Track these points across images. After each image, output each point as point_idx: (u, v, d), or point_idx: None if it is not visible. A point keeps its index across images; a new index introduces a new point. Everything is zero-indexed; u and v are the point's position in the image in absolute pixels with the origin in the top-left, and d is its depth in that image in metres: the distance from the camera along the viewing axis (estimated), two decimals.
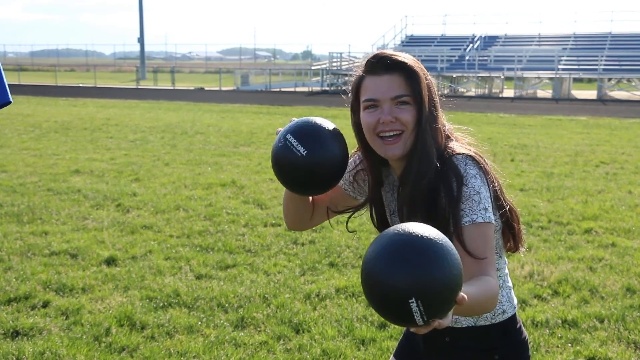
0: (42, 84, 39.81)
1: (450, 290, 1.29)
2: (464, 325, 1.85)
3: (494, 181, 1.74)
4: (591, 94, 32.18)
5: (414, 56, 1.75)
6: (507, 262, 1.92)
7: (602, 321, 4.24)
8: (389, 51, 1.72)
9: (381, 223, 1.91)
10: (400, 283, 1.26)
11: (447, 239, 1.33)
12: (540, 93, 33.00)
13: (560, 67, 32.39)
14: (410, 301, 1.26)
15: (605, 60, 32.47)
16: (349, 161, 1.93)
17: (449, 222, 1.66)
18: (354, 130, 1.82)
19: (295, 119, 1.75)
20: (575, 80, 35.96)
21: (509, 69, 32.39)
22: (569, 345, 3.92)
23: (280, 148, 1.69)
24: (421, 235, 1.30)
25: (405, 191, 1.73)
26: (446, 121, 1.80)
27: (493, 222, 1.66)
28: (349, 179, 1.95)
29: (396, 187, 1.86)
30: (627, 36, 37.02)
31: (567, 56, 34.17)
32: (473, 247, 1.62)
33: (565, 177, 9.35)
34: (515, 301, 1.91)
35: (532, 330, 4.10)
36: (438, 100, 1.76)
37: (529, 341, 1.94)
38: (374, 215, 1.90)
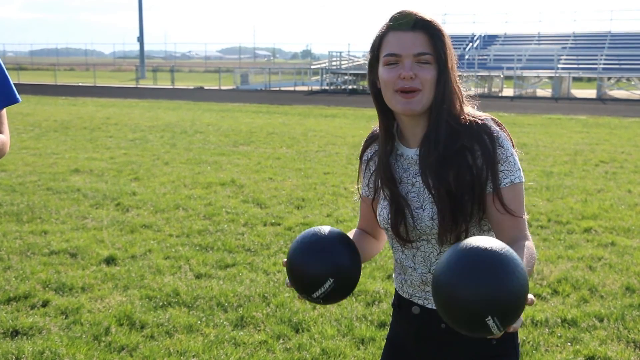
0: (41, 83, 39.79)
1: (522, 299, 1.34)
2: None
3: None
4: (591, 93, 32.17)
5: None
6: None
7: (601, 320, 4.24)
8: (415, 9, 1.72)
9: (393, 189, 1.83)
10: (475, 303, 1.31)
11: (510, 249, 1.37)
12: (540, 92, 33.00)
13: (559, 66, 32.40)
14: (487, 319, 1.31)
15: (605, 59, 32.48)
16: (361, 167, 1.96)
17: (485, 182, 1.69)
18: (370, 90, 1.82)
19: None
20: (575, 79, 35.97)
21: (508, 68, 32.39)
22: (569, 344, 3.92)
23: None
24: (490, 250, 1.35)
25: (429, 151, 1.72)
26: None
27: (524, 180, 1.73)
28: (369, 185, 1.93)
29: (410, 158, 1.82)
30: (627, 35, 37.03)
31: (567, 55, 34.18)
32: (513, 207, 1.70)
33: (565, 176, 9.35)
34: None
35: (532, 330, 4.10)
36: (456, 65, 1.77)
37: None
38: (383, 184, 1.84)
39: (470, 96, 1.84)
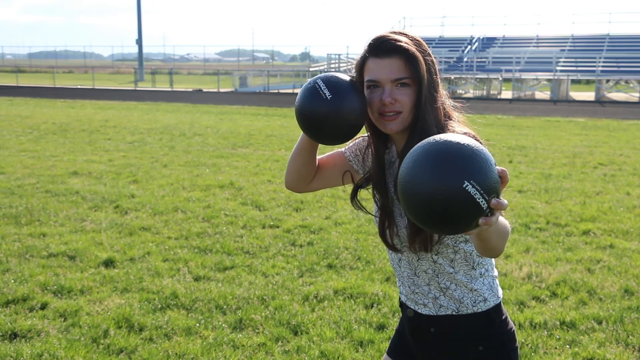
0: (40, 85, 39.77)
1: (490, 163, 1.33)
2: (447, 313, 1.89)
3: None
4: (589, 95, 32.22)
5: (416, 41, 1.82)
6: None
7: (600, 323, 4.24)
8: (391, 34, 1.80)
9: (383, 197, 1.92)
10: (449, 177, 1.30)
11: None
12: (539, 94, 33.03)
13: (558, 68, 32.43)
14: (464, 185, 1.29)
15: (603, 62, 32.53)
16: (358, 139, 2.06)
17: None
18: None
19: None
20: (574, 81, 36.01)
21: (507, 71, 32.42)
22: (567, 346, 3.92)
23: (308, 88, 1.81)
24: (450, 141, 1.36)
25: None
26: (447, 99, 1.88)
27: None
28: (354, 150, 2.06)
29: (393, 163, 1.94)
30: (625, 38, 37.08)
31: (565, 57, 34.22)
32: None
33: (564, 179, 9.36)
34: (500, 292, 1.94)
35: (530, 332, 4.10)
36: (439, 79, 1.84)
37: (515, 332, 1.96)
38: (375, 191, 1.94)
39: (461, 101, 1.92)
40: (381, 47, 1.77)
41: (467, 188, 1.29)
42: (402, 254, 1.93)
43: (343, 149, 2.09)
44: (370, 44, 1.80)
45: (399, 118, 1.78)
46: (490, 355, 1.89)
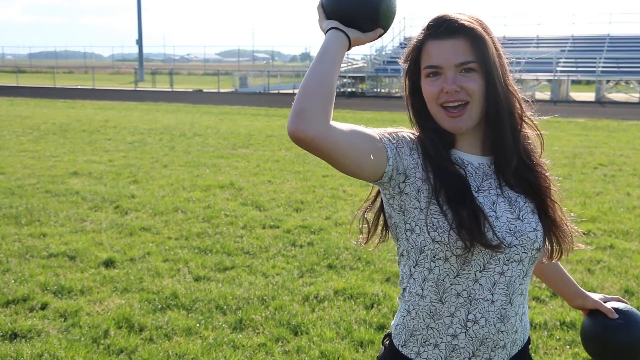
0: (40, 86, 39.78)
1: None
2: (519, 348, 1.62)
3: None
4: (589, 96, 32.21)
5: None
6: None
7: None
8: (453, 13, 1.53)
9: (457, 200, 1.52)
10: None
11: None
12: (539, 95, 33.00)
13: (558, 69, 32.43)
14: None
15: (604, 62, 32.53)
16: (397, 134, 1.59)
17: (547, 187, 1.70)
18: (407, 100, 1.62)
19: None
20: (574, 82, 35.98)
21: None
22: (567, 347, 3.92)
23: None
24: None
25: (510, 160, 1.59)
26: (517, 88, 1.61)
27: None
28: (393, 142, 1.56)
29: (484, 165, 1.60)
30: (626, 38, 37.07)
31: (566, 58, 34.21)
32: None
33: (564, 179, 9.35)
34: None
35: (531, 332, 4.10)
36: (508, 68, 1.58)
37: None
38: (441, 194, 1.52)
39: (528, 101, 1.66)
40: (443, 27, 1.51)
41: None
42: (503, 275, 1.53)
43: (388, 151, 1.55)
44: (429, 24, 1.54)
45: (466, 112, 1.51)
46: None
